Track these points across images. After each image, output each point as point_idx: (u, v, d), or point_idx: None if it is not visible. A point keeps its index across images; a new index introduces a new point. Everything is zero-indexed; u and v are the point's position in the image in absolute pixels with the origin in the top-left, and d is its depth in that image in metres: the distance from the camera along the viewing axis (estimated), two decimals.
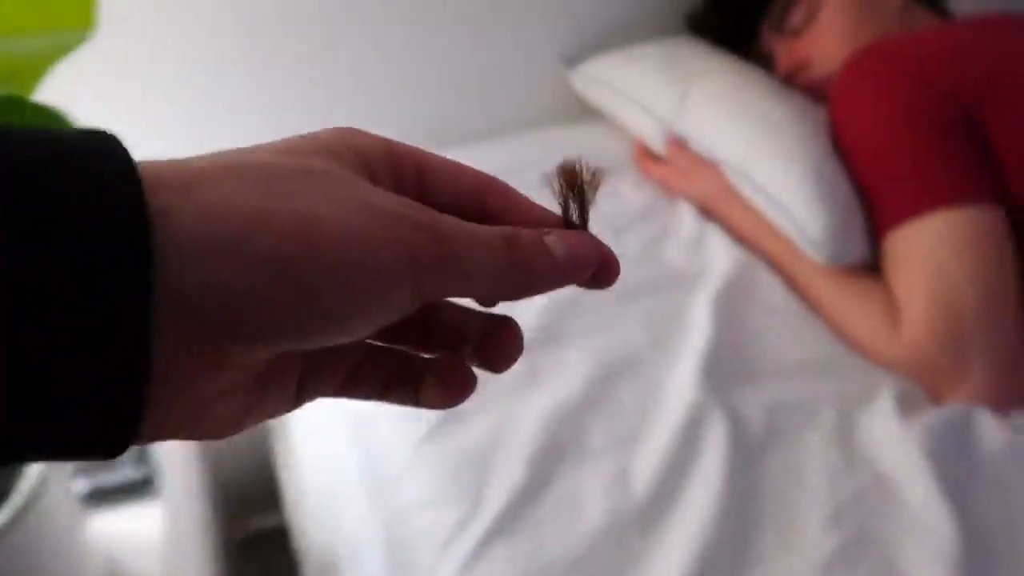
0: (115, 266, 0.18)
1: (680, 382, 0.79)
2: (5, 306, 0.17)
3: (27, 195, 0.17)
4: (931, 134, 0.83)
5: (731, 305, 0.88)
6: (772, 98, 0.98)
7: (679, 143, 1.04)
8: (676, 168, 1.04)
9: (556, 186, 0.26)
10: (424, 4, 1.17)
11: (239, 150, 0.22)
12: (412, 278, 0.21)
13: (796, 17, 1.06)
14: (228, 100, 1.13)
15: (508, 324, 0.27)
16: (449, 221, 0.23)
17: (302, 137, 0.23)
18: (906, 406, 0.76)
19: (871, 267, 0.89)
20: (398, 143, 0.25)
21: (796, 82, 1.07)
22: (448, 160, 0.26)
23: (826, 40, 1.04)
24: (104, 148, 0.19)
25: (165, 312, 0.18)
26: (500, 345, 0.26)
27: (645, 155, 1.11)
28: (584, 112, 1.23)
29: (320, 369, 0.26)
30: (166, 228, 0.18)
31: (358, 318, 0.21)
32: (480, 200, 0.26)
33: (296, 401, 0.25)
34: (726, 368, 0.80)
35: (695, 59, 1.09)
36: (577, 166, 0.26)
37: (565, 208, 0.26)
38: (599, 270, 0.25)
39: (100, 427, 0.19)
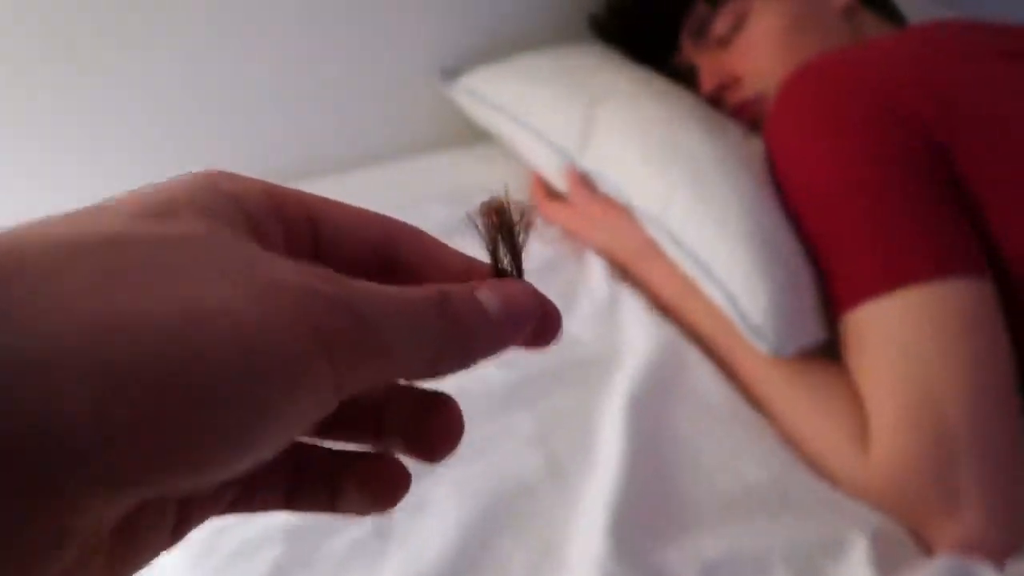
0: None
1: (586, 532, 0.58)
2: None
3: None
4: (893, 179, 0.64)
5: (652, 405, 0.67)
6: (699, 127, 0.77)
7: (583, 181, 0.83)
8: (582, 213, 0.83)
9: (482, 229, 0.23)
10: (270, 3, 0.92)
11: (75, 215, 0.16)
12: (332, 373, 0.16)
13: (721, 24, 0.86)
14: (36, 135, 0.87)
15: (441, 399, 0.22)
16: (364, 290, 0.18)
17: (159, 188, 0.18)
18: (885, 558, 0.57)
19: (829, 349, 0.69)
20: (284, 188, 0.21)
21: (724, 102, 0.87)
22: (346, 205, 0.22)
23: (757, 52, 0.84)
24: None
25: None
26: (434, 428, 0.22)
27: (544, 192, 0.89)
28: (472, 134, 1.00)
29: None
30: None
31: (267, 437, 0.16)
32: (389, 252, 0.22)
33: (175, 536, 0.19)
34: (646, 508, 0.59)
35: (601, 73, 0.87)
36: (504, 204, 0.23)
37: (494, 254, 0.23)
38: (540, 325, 0.22)
39: None
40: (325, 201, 0.21)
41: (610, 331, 0.75)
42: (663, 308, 0.77)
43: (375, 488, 0.22)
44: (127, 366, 0.14)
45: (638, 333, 0.73)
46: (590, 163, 0.82)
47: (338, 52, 0.97)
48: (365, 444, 0.22)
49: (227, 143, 0.96)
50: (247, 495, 0.21)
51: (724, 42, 0.87)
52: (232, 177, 0.20)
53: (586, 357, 0.72)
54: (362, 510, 0.22)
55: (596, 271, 0.81)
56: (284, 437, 0.16)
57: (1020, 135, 0.64)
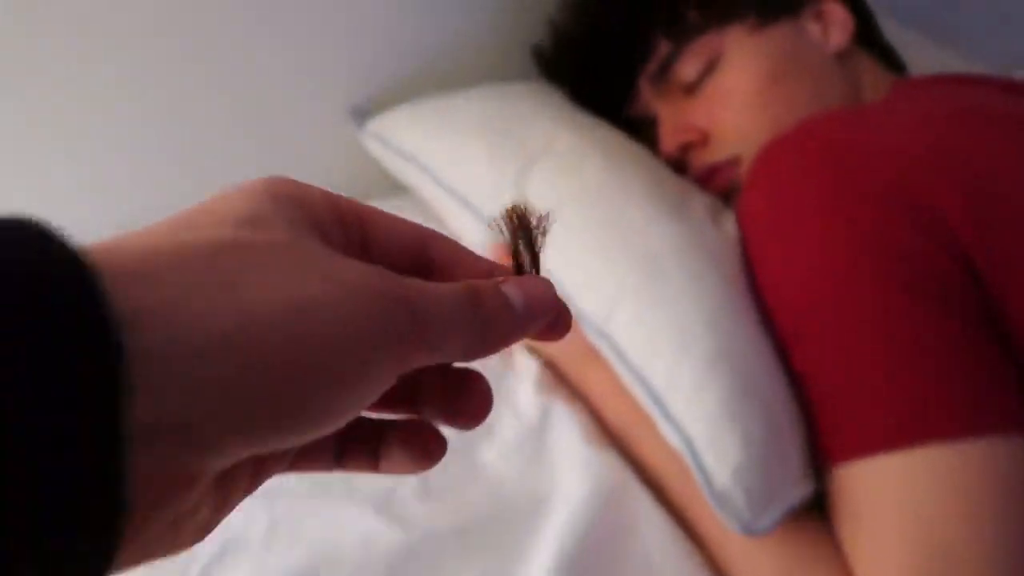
0: (80, 398, 0.14)
1: None
2: None
3: None
4: (912, 303, 0.48)
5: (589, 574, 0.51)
6: (655, 202, 0.60)
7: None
8: None
9: (505, 231, 0.26)
10: (155, 29, 0.73)
11: (178, 223, 0.19)
12: (397, 355, 0.20)
13: (688, 67, 0.70)
14: None
15: (470, 375, 0.25)
16: (416, 288, 0.21)
17: (241, 196, 0.21)
18: None
19: (811, 503, 0.54)
20: (339, 195, 0.24)
21: (689, 165, 0.71)
22: (387, 213, 0.25)
23: (732, 105, 0.68)
24: (28, 239, 0.15)
25: (140, 441, 0.16)
26: (464, 400, 0.25)
27: None
28: (390, 184, 0.83)
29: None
30: (137, 341, 0.15)
31: (349, 406, 0.20)
32: (423, 253, 0.25)
33: (251, 485, 0.22)
34: None
35: (539, 122, 0.70)
36: (524, 209, 0.26)
37: (516, 254, 0.26)
38: (556, 319, 0.25)
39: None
40: (371, 209, 0.24)
41: (538, 467, 0.58)
42: (607, 431, 0.61)
43: (416, 448, 0.25)
44: (257, 348, 0.17)
45: (572, 473, 0.57)
46: None
47: (237, 87, 0.79)
48: (403, 414, 0.26)
49: (120, 195, 0.77)
50: (304, 456, 0.24)
51: (691, 89, 0.70)
52: (297, 185, 0.22)
53: (505, 506, 0.56)
54: (404, 469, 0.25)
55: (526, 379, 0.64)
56: (360, 407, 0.20)
57: None
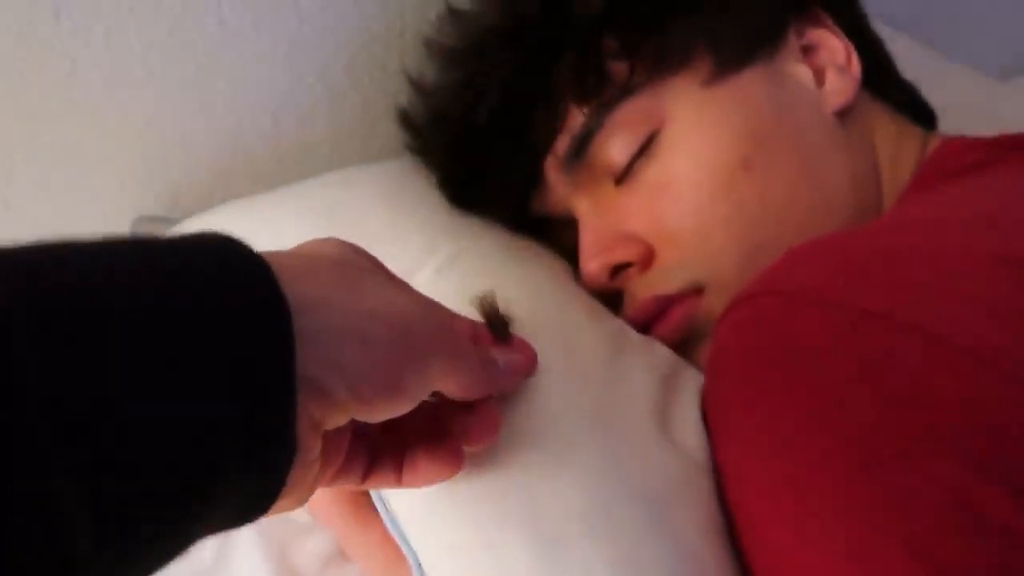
0: (272, 359, 0.21)
1: None
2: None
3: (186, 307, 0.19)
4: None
5: None
6: (580, 420, 0.36)
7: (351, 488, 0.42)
8: (347, 539, 0.42)
9: (480, 311, 0.34)
10: None
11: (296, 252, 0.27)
12: (444, 361, 0.27)
13: (613, 146, 0.45)
14: None
15: (483, 400, 0.31)
16: (457, 321, 0.31)
17: (325, 243, 0.28)
18: None
19: None
20: None
21: (626, 297, 0.47)
22: None
23: (683, 202, 0.43)
24: (230, 249, 0.22)
25: (303, 395, 0.22)
26: (480, 419, 0.31)
27: None
28: None
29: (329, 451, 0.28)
30: (299, 322, 0.22)
31: (419, 390, 0.26)
32: None
33: (335, 464, 0.29)
34: None
35: (395, 240, 0.45)
36: (491, 297, 0.34)
37: (491, 327, 0.34)
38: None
39: (256, 495, 0.22)
40: None
41: None
42: None
43: (442, 455, 0.30)
44: (375, 335, 0.24)
45: None
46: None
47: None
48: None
49: None
50: (344, 469, 0.29)
51: (623, 177, 0.46)
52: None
53: None
54: (429, 477, 0.31)
55: None
56: (419, 396, 0.27)
57: None
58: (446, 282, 0.42)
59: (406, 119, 0.55)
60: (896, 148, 0.47)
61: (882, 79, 0.50)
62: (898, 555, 0.26)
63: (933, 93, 0.56)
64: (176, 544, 0.21)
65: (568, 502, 0.32)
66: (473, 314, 0.34)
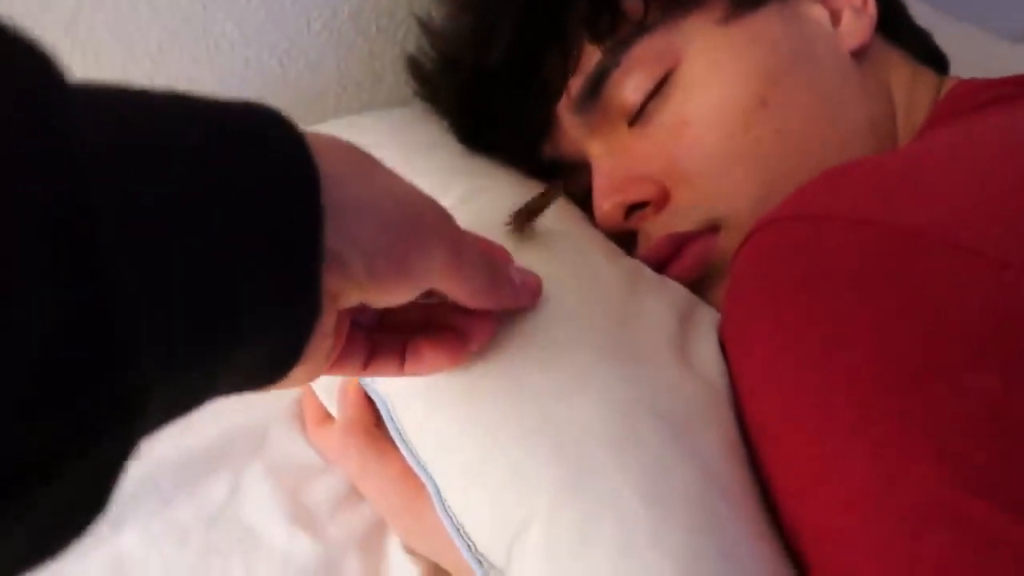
0: (303, 225, 0.22)
1: None
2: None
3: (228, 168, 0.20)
4: (1001, 534, 0.25)
5: None
6: (587, 333, 0.36)
7: (365, 421, 0.42)
8: (362, 472, 0.42)
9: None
10: None
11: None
12: (450, 251, 0.28)
13: (628, 86, 0.45)
14: None
15: (484, 311, 0.33)
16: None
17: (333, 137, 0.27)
18: None
19: None
20: None
21: (641, 237, 0.47)
22: None
23: (700, 141, 0.43)
24: (273, 116, 0.22)
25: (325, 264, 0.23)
26: (478, 321, 0.33)
27: (316, 413, 0.47)
28: None
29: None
30: (326, 195, 0.22)
31: (422, 280, 0.27)
32: None
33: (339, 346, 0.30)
34: None
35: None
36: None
37: (520, 216, 0.39)
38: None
39: (281, 345, 0.23)
40: None
41: None
42: None
43: (446, 342, 0.32)
44: (389, 214, 0.25)
45: None
46: (379, 384, 0.40)
47: None
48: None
49: None
50: (343, 354, 0.30)
51: (636, 118, 0.46)
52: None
53: None
54: (433, 365, 0.32)
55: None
56: (422, 285, 0.27)
57: None
58: (462, 216, 0.42)
59: (415, 65, 0.55)
60: (911, 89, 0.47)
61: (896, 24, 0.50)
62: (927, 464, 0.26)
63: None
64: (200, 387, 0.21)
65: (590, 424, 0.32)
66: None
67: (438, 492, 0.35)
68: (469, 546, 0.33)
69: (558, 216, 0.45)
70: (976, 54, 0.70)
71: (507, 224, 0.40)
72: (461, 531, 0.34)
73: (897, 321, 0.28)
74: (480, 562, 0.33)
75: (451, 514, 0.34)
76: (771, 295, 0.32)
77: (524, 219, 0.40)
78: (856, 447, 0.27)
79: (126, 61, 0.52)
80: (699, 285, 0.44)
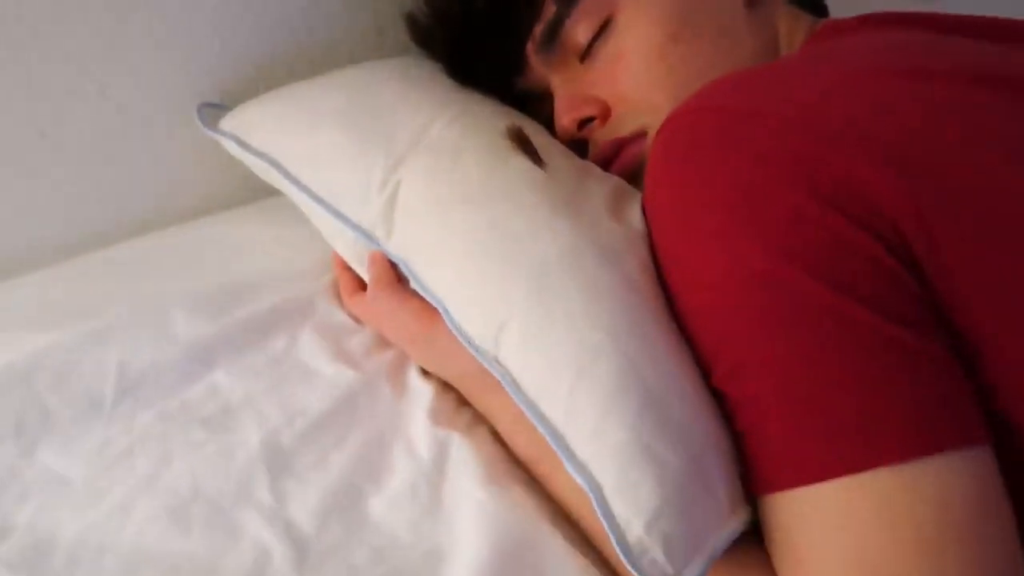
0: None
1: None
2: None
3: None
4: (849, 306, 0.40)
5: None
6: (546, 199, 0.51)
7: (390, 278, 0.57)
8: (389, 316, 0.57)
9: (514, 138, 0.54)
10: None
11: None
12: None
13: (579, 30, 0.60)
14: None
15: None
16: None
17: None
18: None
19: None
20: None
21: (592, 144, 0.62)
22: None
23: (632, 71, 0.59)
24: None
25: None
26: None
27: (350, 281, 0.63)
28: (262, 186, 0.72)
29: None
30: None
31: None
32: None
33: None
34: None
35: (407, 108, 0.60)
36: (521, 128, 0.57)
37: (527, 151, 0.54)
38: None
39: None
40: None
41: (433, 518, 0.50)
42: (517, 462, 0.53)
43: None
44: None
45: (471, 524, 0.48)
46: (396, 250, 0.55)
47: (59, 91, 0.66)
48: None
49: None
50: None
51: (585, 56, 0.61)
52: None
53: (396, 570, 0.47)
54: None
55: (419, 410, 0.56)
56: None
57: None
58: (457, 129, 0.57)
59: (413, 20, 0.69)
60: (791, 28, 0.62)
61: None
62: (756, 247, 0.41)
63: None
64: None
65: (548, 254, 0.48)
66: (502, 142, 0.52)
67: (446, 310, 0.50)
68: (470, 341, 0.49)
69: (533, 131, 0.60)
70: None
71: (504, 137, 0.55)
72: (463, 333, 0.49)
73: (739, 165, 0.43)
74: (478, 351, 0.49)
75: (456, 323, 0.50)
76: (668, 165, 0.47)
77: (516, 136, 0.55)
78: (715, 245, 0.43)
79: (187, 21, 0.66)
80: (634, 179, 0.59)
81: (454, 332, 0.50)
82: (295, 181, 0.61)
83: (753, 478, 0.44)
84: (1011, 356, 0.40)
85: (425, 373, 0.58)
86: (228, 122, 0.67)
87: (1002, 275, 0.40)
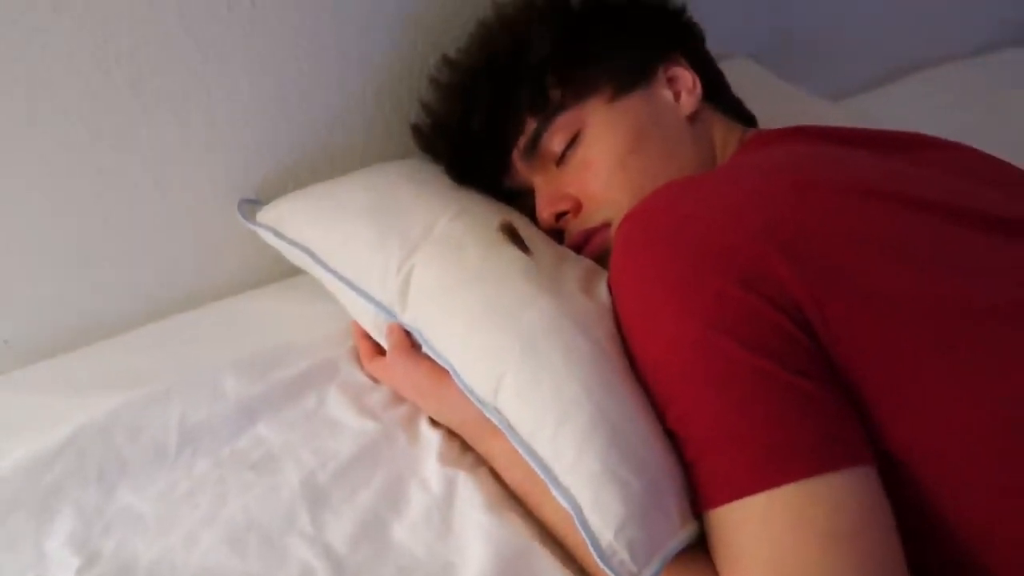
0: None
1: None
2: None
3: None
4: (759, 361, 0.53)
5: None
6: (533, 281, 0.65)
7: (405, 344, 0.69)
8: (404, 376, 0.70)
9: (506, 233, 0.70)
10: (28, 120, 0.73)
11: None
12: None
13: (554, 142, 0.75)
14: None
15: None
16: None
17: None
18: None
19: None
20: None
21: (567, 232, 0.76)
22: None
23: (596, 175, 0.73)
24: None
25: None
26: None
27: (368, 348, 0.75)
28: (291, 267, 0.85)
29: None
30: None
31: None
32: None
33: None
34: None
35: (418, 206, 0.74)
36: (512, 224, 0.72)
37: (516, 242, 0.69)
38: None
39: None
40: None
41: (445, 539, 0.62)
42: (511, 495, 0.65)
43: None
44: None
45: (476, 541, 0.60)
46: (411, 321, 0.68)
47: (124, 183, 0.79)
48: None
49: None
50: None
51: (560, 161, 0.75)
52: None
53: None
54: None
55: (430, 453, 0.68)
56: None
57: (896, 296, 0.55)
58: (459, 225, 0.71)
59: (417, 130, 0.84)
60: (725, 137, 0.77)
61: (719, 96, 0.81)
62: (693, 323, 0.55)
63: (777, 109, 0.87)
64: None
65: (534, 324, 0.61)
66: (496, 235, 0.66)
67: (454, 369, 0.63)
68: (474, 394, 0.61)
69: (521, 223, 0.74)
70: (802, 110, 1.02)
71: (498, 231, 0.70)
72: (468, 388, 0.62)
73: (681, 256, 0.57)
74: (481, 402, 0.61)
75: (462, 380, 0.62)
76: (626, 256, 0.61)
77: (507, 230, 0.70)
78: (663, 318, 0.56)
79: (229, 128, 0.80)
80: (601, 260, 0.73)
81: (460, 387, 0.62)
82: (325, 265, 0.74)
83: (697, 499, 0.56)
84: (885, 399, 0.54)
85: (434, 423, 0.71)
86: (264, 215, 0.81)
87: (880, 343, 0.54)
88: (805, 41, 1.26)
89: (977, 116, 1.21)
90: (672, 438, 0.58)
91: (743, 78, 0.91)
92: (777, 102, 0.98)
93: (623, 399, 0.58)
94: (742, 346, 0.54)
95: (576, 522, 0.55)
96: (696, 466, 0.56)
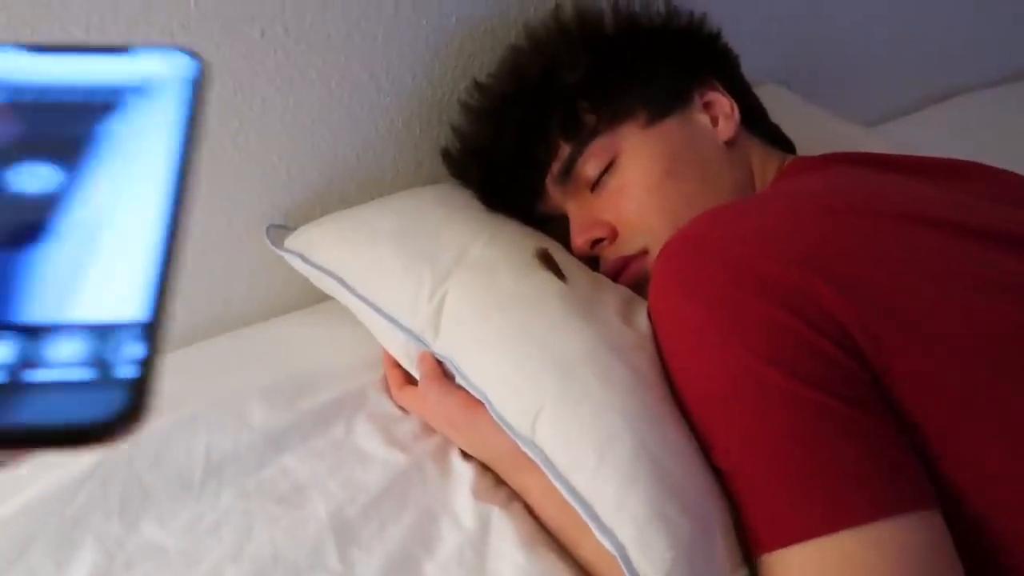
0: None
1: None
2: None
3: None
4: (816, 395, 0.51)
5: None
6: (569, 308, 0.63)
7: (437, 373, 0.67)
8: (436, 406, 0.68)
9: (543, 261, 0.68)
10: None
11: None
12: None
13: (588, 168, 0.73)
14: None
15: None
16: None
17: None
18: None
19: None
20: None
21: (602, 259, 0.74)
22: None
23: (633, 201, 0.71)
24: None
25: None
26: None
27: (399, 377, 0.73)
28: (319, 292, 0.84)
29: None
30: None
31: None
32: None
33: None
34: None
35: (449, 231, 0.73)
36: (548, 252, 0.70)
37: (553, 270, 0.68)
38: None
39: None
40: None
41: None
42: (546, 532, 0.62)
43: None
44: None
45: None
46: (442, 350, 0.66)
47: None
48: None
49: None
50: None
51: (595, 187, 0.74)
52: None
53: None
54: None
55: (463, 487, 0.65)
56: None
57: (945, 322, 0.53)
58: (492, 250, 0.69)
59: (448, 156, 0.83)
60: (763, 165, 0.75)
61: (756, 122, 0.79)
62: (742, 350, 0.52)
63: (812, 135, 0.85)
64: None
65: (572, 353, 0.59)
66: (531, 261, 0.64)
67: (489, 401, 0.61)
68: (510, 427, 0.59)
69: (555, 249, 0.72)
70: (837, 136, 1.00)
71: (534, 258, 0.68)
72: (504, 421, 0.59)
73: (724, 285, 0.54)
74: (518, 435, 0.59)
75: (498, 412, 0.60)
76: (668, 284, 0.59)
77: (543, 257, 0.68)
78: (708, 348, 0.54)
79: (261, 155, 0.79)
80: (637, 288, 0.71)
81: (496, 419, 0.60)
82: (354, 292, 0.72)
83: (748, 540, 0.53)
84: (943, 434, 0.51)
85: (465, 455, 0.68)
86: (292, 241, 0.79)
87: (935, 370, 0.51)
88: (833, 68, 1.25)
89: (1013, 143, 1.19)
90: (719, 474, 0.55)
91: (776, 104, 0.89)
92: (812, 128, 0.95)
93: (667, 432, 0.56)
94: (792, 376, 0.51)
95: (620, 564, 0.52)
96: (747, 505, 0.53)
